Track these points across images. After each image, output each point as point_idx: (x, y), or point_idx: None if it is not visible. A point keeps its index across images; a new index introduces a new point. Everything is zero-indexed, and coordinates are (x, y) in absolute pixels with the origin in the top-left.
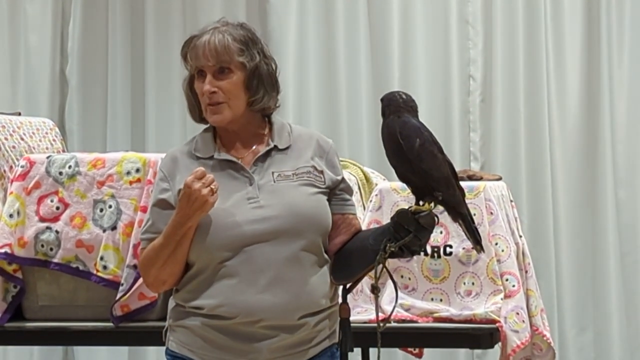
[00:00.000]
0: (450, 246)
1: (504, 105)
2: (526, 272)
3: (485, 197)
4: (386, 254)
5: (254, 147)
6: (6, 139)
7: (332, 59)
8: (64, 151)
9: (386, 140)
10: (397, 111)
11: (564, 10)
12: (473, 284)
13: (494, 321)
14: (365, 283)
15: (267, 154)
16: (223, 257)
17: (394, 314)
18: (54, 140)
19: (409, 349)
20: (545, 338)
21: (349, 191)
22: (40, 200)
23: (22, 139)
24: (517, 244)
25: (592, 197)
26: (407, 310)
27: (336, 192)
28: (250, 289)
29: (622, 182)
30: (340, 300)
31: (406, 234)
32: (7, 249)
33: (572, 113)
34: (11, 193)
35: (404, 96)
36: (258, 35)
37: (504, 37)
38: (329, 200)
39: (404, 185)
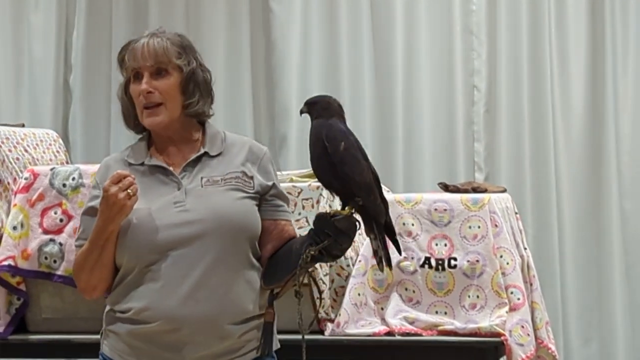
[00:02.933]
0: (455, 259)
1: (508, 115)
2: (531, 284)
3: (490, 209)
4: (307, 257)
5: (186, 153)
6: (10, 150)
7: (336, 69)
8: (67, 163)
9: (311, 142)
10: (325, 114)
11: (568, 20)
12: (478, 296)
13: (499, 334)
14: (370, 296)
15: (198, 159)
16: (148, 261)
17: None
18: (57, 151)
19: None
20: (550, 351)
21: (283, 197)
22: (44, 212)
23: (26, 150)
24: (522, 256)
25: (597, 208)
26: (411, 323)
27: (267, 197)
28: (173, 294)
29: (627, 193)
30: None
31: (326, 238)
32: (10, 262)
33: (577, 123)
34: (15, 205)
35: (337, 102)
36: (193, 46)
37: (508, 48)
38: (260, 206)
39: (409, 197)
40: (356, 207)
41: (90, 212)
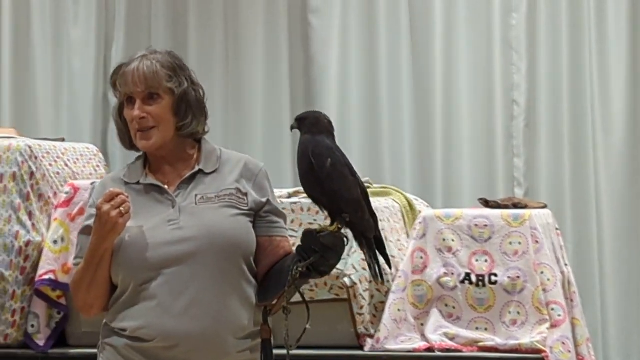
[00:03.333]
0: (496, 275)
1: (548, 130)
2: (572, 301)
3: (531, 225)
4: (296, 274)
5: (181, 171)
6: (50, 165)
7: (374, 83)
8: None
9: (299, 158)
10: (314, 130)
11: (608, 34)
12: (519, 313)
13: (539, 351)
14: (410, 311)
15: (193, 177)
16: (142, 279)
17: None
18: (97, 166)
19: None
20: None
21: (278, 214)
22: None
23: (66, 165)
24: (562, 272)
25: (638, 223)
26: (451, 339)
27: (261, 214)
28: (168, 312)
29: None
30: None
31: (313, 254)
32: (51, 275)
33: (618, 138)
34: (55, 219)
35: (327, 118)
36: (185, 63)
37: (548, 62)
38: (255, 223)
39: (449, 212)
40: (344, 223)
41: (86, 231)
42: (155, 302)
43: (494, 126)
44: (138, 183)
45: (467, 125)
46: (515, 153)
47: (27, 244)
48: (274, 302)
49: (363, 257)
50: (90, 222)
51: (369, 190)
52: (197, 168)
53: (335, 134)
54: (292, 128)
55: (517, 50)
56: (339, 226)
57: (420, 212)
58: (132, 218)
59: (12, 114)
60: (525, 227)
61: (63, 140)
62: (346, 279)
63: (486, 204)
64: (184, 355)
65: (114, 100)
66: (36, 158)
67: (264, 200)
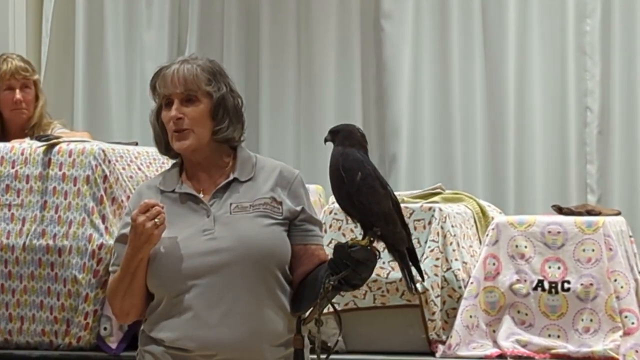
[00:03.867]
0: (569, 282)
1: (621, 136)
2: None
3: (604, 232)
4: (328, 287)
5: (216, 179)
6: (124, 168)
7: (447, 91)
8: None
9: (330, 172)
10: (346, 143)
11: None
12: (591, 320)
13: (612, 359)
14: (482, 318)
15: (227, 185)
16: (177, 290)
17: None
18: None
19: None
20: None
21: (313, 221)
22: None
23: (139, 168)
24: (636, 280)
25: None
26: (524, 346)
27: (296, 222)
28: (205, 323)
29: None
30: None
31: (344, 268)
32: None
33: None
34: None
35: (360, 131)
36: (225, 70)
37: (622, 68)
38: (290, 231)
39: (522, 219)
40: (375, 236)
41: (122, 239)
42: (191, 313)
43: (567, 133)
44: (173, 191)
45: (539, 132)
46: (588, 160)
47: (100, 247)
48: (308, 313)
49: (435, 262)
50: (126, 230)
51: (441, 196)
52: (232, 176)
53: (408, 139)
54: (325, 141)
55: (590, 56)
56: (371, 239)
57: (492, 218)
58: (167, 227)
59: (86, 118)
60: (599, 234)
61: (136, 144)
62: (418, 285)
63: (559, 210)
64: None
65: None
66: (109, 162)
67: (298, 208)
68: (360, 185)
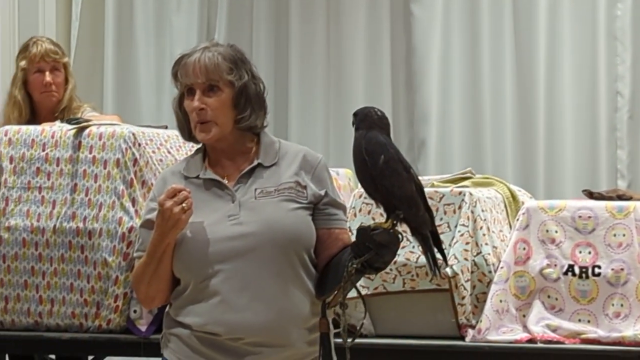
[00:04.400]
0: (599, 267)
1: None
2: None
3: (636, 217)
4: (351, 271)
5: (240, 165)
6: (154, 152)
7: (477, 75)
8: None
9: (353, 155)
10: (368, 127)
11: None
12: (622, 305)
13: None
14: (512, 302)
15: (252, 171)
16: (203, 275)
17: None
18: None
19: None
20: None
21: (337, 205)
22: None
23: (169, 152)
24: None
25: None
26: (554, 331)
27: (320, 206)
28: (231, 307)
29: None
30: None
31: (367, 251)
32: None
33: None
34: None
35: (378, 113)
36: (246, 56)
37: None
38: (314, 215)
39: (552, 203)
40: (398, 219)
41: (147, 224)
42: (218, 298)
43: (597, 118)
44: (198, 177)
45: (570, 117)
46: (618, 145)
47: (130, 230)
48: (332, 296)
49: (465, 247)
50: (151, 215)
51: (471, 180)
52: (256, 162)
53: (437, 124)
54: (353, 124)
55: (621, 41)
56: (393, 222)
57: (523, 203)
58: (193, 213)
59: (115, 101)
60: (630, 219)
61: (166, 127)
62: (448, 269)
63: (590, 195)
64: (250, 346)
65: None
66: (139, 145)
67: (322, 192)
68: (383, 169)
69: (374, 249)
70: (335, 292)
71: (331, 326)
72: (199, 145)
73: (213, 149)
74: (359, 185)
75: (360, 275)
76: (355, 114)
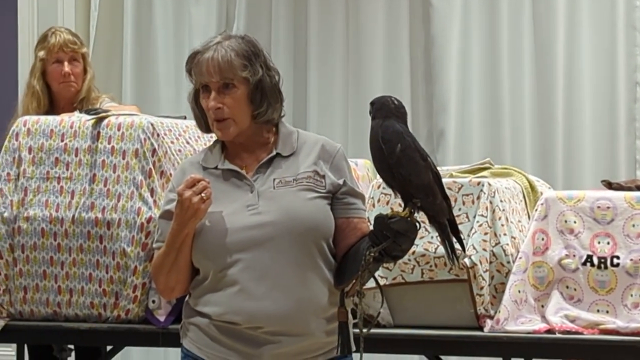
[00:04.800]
0: (618, 257)
1: None
2: None
3: None
4: (369, 259)
5: (258, 155)
6: (172, 142)
7: (496, 65)
8: None
9: (370, 144)
10: (385, 115)
11: None
12: None
13: None
14: (530, 293)
15: (270, 161)
16: (223, 264)
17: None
18: None
19: None
20: None
21: (355, 194)
22: None
23: (187, 142)
24: None
25: None
26: (572, 321)
27: (338, 196)
28: (251, 296)
29: None
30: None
31: (385, 240)
32: None
33: None
34: None
35: (395, 101)
36: (260, 47)
37: None
38: (332, 204)
39: (571, 194)
40: (415, 208)
41: (166, 215)
42: (237, 287)
43: (616, 108)
44: (216, 168)
45: (589, 107)
46: (637, 135)
47: (149, 220)
48: (350, 285)
49: (484, 237)
50: (170, 206)
51: (489, 170)
52: (274, 152)
53: (456, 114)
54: (370, 113)
55: None
56: (411, 211)
57: (541, 193)
58: (212, 204)
59: (134, 92)
60: None
61: (184, 118)
62: (466, 260)
63: (609, 185)
64: (269, 335)
65: None
66: (158, 135)
67: (340, 181)
68: (400, 157)
69: (392, 237)
70: (354, 281)
71: (350, 316)
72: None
73: (231, 142)
74: (378, 175)
75: (378, 264)
76: (372, 103)
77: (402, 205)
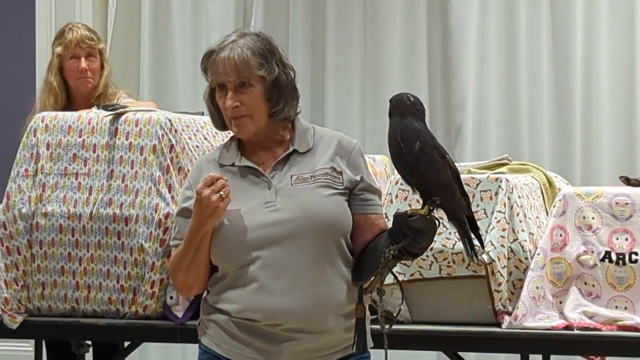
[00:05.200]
0: (636, 253)
1: None
2: None
3: None
4: (388, 257)
5: (275, 152)
6: (190, 138)
7: (513, 61)
8: None
9: (389, 143)
10: (402, 113)
11: None
12: None
13: None
14: (548, 289)
15: (287, 158)
16: (241, 262)
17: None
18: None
19: (592, 357)
20: None
21: (372, 190)
22: None
23: (205, 138)
24: None
25: None
26: (590, 318)
27: (356, 192)
28: (270, 294)
29: None
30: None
31: (404, 237)
32: None
33: None
34: None
35: (411, 99)
36: (275, 44)
37: None
38: (350, 200)
39: (589, 190)
40: (434, 205)
41: (183, 213)
42: (256, 284)
43: (635, 103)
44: (233, 165)
45: (607, 102)
46: None
47: (167, 216)
48: (368, 282)
49: (502, 233)
50: (187, 204)
51: (507, 166)
52: (291, 148)
53: (474, 110)
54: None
55: None
56: (430, 208)
57: (559, 189)
58: (230, 201)
59: (152, 88)
60: None
61: (202, 114)
62: (484, 256)
63: (627, 181)
64: (288, 332)
65: None
66: (176, 131)
67: (358, 178)
68: (419, 155)
69: (411, 235)
70: (372, 278)
71: (367, 312)
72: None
73: (248, 139)
74: (395, 171)
75: (397, 261)
76: (389, 101)
77: (421, 201)
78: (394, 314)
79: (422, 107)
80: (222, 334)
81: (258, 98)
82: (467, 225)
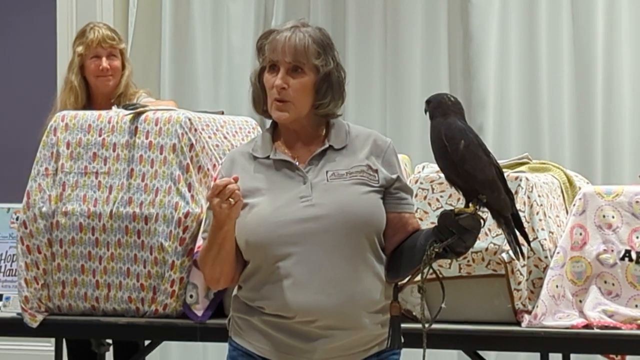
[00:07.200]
0: None
1: None
2: None
3: None
4: (432, 254)
5: (311, 147)
6: (210, 137)
7: (534, 60)
8: None
9: (432, 142)
10: (444, 113)
11: None
12: None
13: None
14: (568, 288)
15: (323, 153)
16: (276, 257)
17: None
18: None
19: (611, 356)
20: None
21: (406, 190)
22: None
23: (225, 137)
24: None
25: None
26: (610, 316)
27: (391, 190)
28: (305, 290)
29: None
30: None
31: (450, 236)
32: None
33: None
34: None
35: (452, 99)
36: (333, 42)
37: None
38: (384, 199)
39: (609, 189)
40: (480, 204)
41: None
42: (291, 280)
43: None
44: (268, 158)
45: (628, 102)
46: None
47: (187, 215)
48: (406, 280)
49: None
50: None
51: (528, 165)
52: (327, 144)
53: (495, 109)
54: (425, 111)
55: None
56: (476, 207)
57: (579, 188)
58: (264, 194)
59: (172, 87)
60: None
61: (222, 113)
62: (504, 255)
63: None
64: (321, 330)
65: None
66: (196, 130)
67: (394, 176)
68: (464, 154)
69: (457, 233)
70: (410, 275)
71: (402, 310)
72: (254, 135)
73: (286, 129)
74: (415, 170)
75: (439, 259)
76: (428, 102)
77: (463, 200)
78: (415, 314)
79: (461, 106)
80: (253, 331)
81: (307, 86)
82: (512, 223)
